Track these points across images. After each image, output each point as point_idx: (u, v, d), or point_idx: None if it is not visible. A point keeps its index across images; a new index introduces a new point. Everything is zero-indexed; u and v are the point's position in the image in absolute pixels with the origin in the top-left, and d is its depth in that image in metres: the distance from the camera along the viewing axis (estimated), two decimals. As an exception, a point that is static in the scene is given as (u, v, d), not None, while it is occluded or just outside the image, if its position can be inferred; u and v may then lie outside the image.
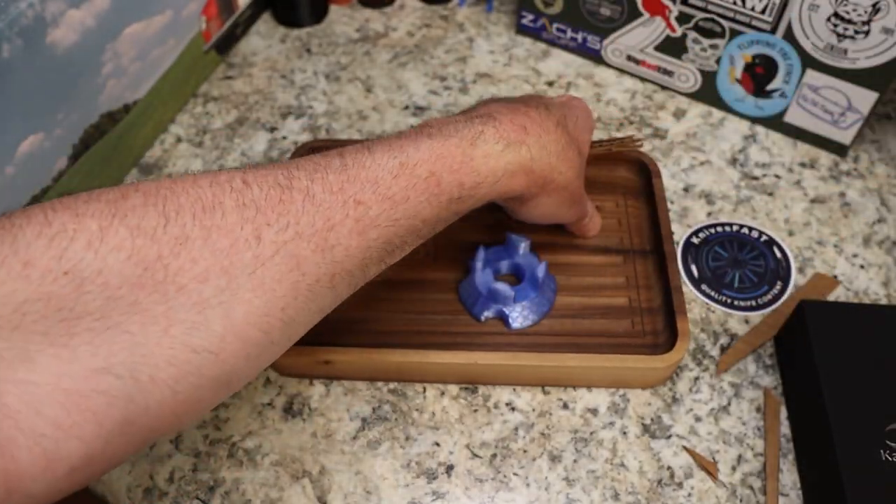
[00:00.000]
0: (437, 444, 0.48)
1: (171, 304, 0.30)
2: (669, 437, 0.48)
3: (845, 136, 0.61)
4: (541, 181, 0.43)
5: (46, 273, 0.28)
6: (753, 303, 0.54)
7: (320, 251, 0.34)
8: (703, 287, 0.55)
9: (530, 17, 0.70)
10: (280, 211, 0.33)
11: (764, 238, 0.57)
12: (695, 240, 0.57)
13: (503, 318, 0.51)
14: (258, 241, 0.32)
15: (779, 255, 0.56)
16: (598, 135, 0.64)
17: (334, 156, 0.37)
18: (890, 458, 0.41)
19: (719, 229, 0.58)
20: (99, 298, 0.28)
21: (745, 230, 0.57)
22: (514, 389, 0.50)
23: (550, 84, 0.68)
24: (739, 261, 0.56)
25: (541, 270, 0.51)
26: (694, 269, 0.55)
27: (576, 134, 0.47)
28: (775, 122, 0.64)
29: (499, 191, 0.41)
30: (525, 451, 0.47)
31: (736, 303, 0.54)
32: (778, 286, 0.55)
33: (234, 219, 0.32)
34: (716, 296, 0.54)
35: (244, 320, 0.32)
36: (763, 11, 0.58)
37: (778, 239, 0.57)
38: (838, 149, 0.62)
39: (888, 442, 0.42)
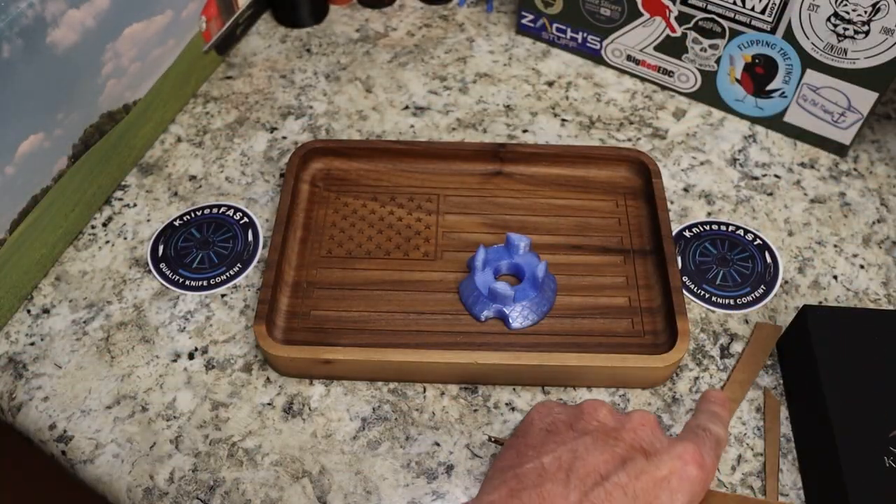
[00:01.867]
0: (437, 444, 0.48)
1: None
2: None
3: (845, 136, 0.61)
4: None
5: None
6: (732, 301, 0.54)
7: None
8: (684, 279, 0.55)
9: (530, 17, 0.70)
10: None
11: (757, 241, 0.57)
12: (687, 234, 0.57)
13: (503, 318, 0.51)
14: None
15: (769, 260, 0.56)
16: (598, 135, 0.64)
17: None
18: (894, 465, 0.41)
19: (714, 227, 0.58)
20: None
21: (741, 232, 0.57)
22: (515, 389, 0.50)
23: (550, 84, 0.68)
24: (727, 259, 0.56)
25: (541, 270, 0.51)
26: (678, 260, 0.55)
27: None
28: (775, 122, 0.64)
29: None
30: (525, 451, 0.47)
31: (714, 299, 0.54)
32: (761, 290, 0.54)
33: None
34: (695, 289, 0.54)
35: None
36: (763, 11, 0.58)
37: (772, 244, 0.57)
38: (838, 149, 0.62)
39: (892, 448, 0.42)
